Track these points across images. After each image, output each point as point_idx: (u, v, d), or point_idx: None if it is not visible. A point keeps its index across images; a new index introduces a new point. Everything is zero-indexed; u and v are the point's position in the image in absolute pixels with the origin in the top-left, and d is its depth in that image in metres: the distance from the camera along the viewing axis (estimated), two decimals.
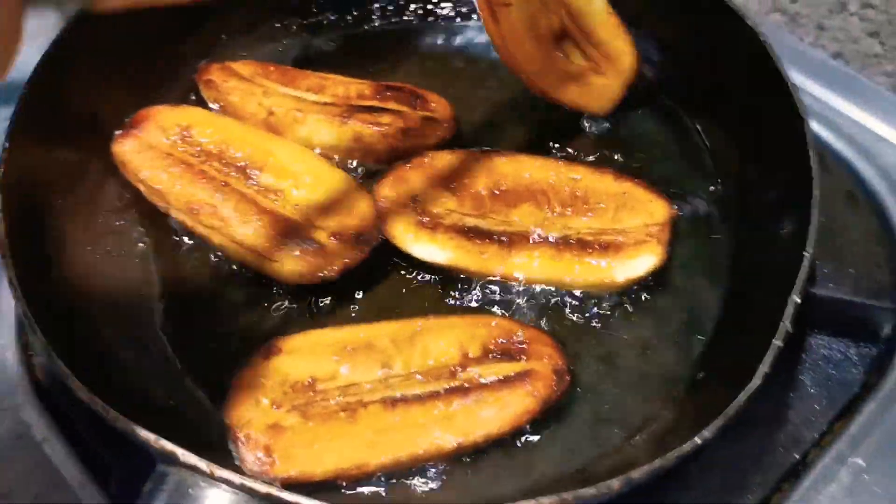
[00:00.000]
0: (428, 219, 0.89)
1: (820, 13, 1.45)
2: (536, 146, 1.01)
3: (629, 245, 0.88)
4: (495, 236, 0.88)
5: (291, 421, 0.75)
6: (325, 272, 0.86)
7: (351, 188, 0.93)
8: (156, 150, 0.95)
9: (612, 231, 0.90)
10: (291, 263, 0.86)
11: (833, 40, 1.42)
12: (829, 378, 0.87)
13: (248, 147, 0.95)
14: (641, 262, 0.87)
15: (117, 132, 0.96)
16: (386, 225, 0.89)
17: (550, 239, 0.88)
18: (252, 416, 0.75)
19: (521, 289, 0.89)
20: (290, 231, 0.88)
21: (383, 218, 0.90)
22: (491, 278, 0.89)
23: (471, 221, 0.90)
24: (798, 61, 1.11)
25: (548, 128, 1.04)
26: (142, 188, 0.94)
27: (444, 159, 0.94)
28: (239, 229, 0.88)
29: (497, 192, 0.92)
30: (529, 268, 0.87)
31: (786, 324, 0.72)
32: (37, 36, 1.04)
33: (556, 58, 1.00)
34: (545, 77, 0.99)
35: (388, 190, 0.91)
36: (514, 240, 0.88)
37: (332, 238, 0.88)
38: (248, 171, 0.93)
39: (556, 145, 1.02)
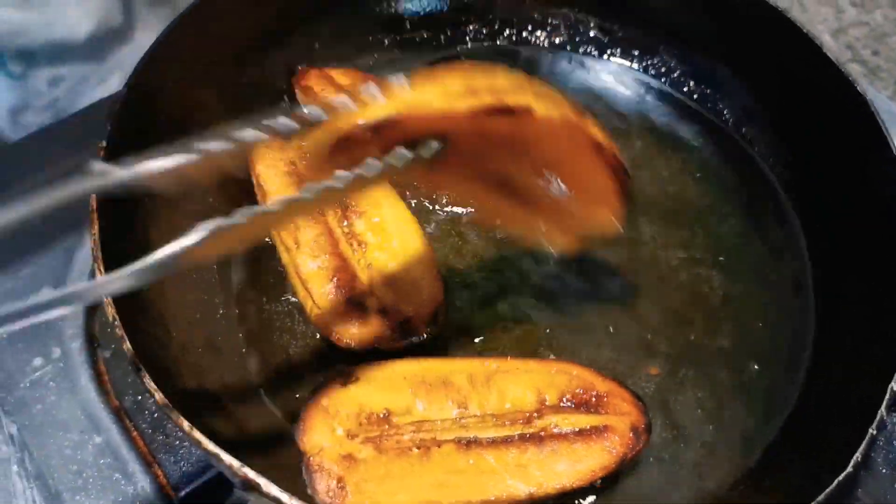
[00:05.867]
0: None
1: None
2: None
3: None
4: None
5: (365, 454, 0.74)
6: (347, 340, 0.83)
7: (428, 274, 0.87)
8: (283, 148, 0.93)
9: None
10: (325, 315, 0.83)
11: None
12: None
13: None
14: None
15: None
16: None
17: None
18: (326, 443, 0.75)
19: None
20: (347, 285, 0.85)
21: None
22: None
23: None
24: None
25: None
26: (254, 179, 0.93)
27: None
28: (304, 258, 0.87)
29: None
30: None
31: (882, 411, 0.70)
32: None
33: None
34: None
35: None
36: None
37: (378, 312, 0.84)
38: (349, 210, 0.90)
39: None
